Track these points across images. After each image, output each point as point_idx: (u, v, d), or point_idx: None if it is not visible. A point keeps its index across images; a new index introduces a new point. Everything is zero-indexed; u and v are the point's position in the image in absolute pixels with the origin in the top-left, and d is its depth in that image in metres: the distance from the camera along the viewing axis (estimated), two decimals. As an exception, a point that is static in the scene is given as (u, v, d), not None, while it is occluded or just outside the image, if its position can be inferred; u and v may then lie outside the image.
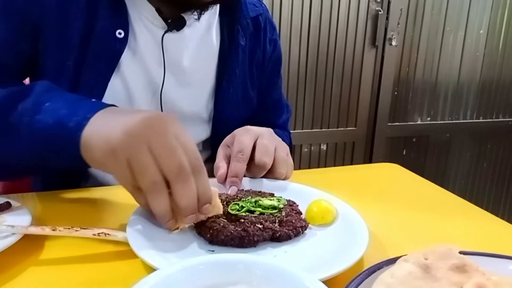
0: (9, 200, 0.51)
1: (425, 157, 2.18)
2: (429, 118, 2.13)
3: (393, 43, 1.92)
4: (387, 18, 1.89)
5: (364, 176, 0.79)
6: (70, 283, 0.41)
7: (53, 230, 0.45)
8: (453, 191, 0.69)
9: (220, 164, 0.62)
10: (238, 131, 0.64)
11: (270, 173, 0.63)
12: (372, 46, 1.92)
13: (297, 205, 0.54)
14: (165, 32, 0.69)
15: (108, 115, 0.49)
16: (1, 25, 0.64)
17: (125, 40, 0.67)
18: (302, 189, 0.60)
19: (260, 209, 0.51)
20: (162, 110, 0.72)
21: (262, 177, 0.63)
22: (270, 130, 0.67)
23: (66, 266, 0.44)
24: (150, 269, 0.39)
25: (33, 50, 0.66)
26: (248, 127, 0.65)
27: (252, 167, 0.62)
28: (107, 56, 0.67)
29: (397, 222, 0.59)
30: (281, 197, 0.56)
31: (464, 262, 0.36)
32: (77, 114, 0.49)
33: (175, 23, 0.69)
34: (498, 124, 2.24)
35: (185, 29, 0.71)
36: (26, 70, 0.69)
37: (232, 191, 0.58)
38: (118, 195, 0.61)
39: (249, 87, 0.81)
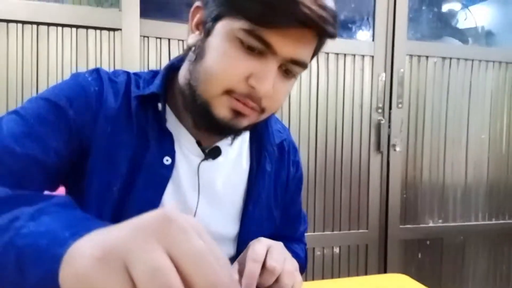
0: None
1: (441, 260, 2.14)
2: (440, 221, 2.14)
3: (397, 149, 2.01)
4: (389, 127, 2.01)
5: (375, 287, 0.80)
6: None
7: None
8: None
9: (233, 272, 0.66)
10: (251, 242, 0.70)
11: (276, 283, 0.66)
12: (377, 152, 2.02)
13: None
14: (202, 160, 0.76)
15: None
16: (52, 133, 0.66)
17: (171, 167, 0.72)
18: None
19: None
20: None
21: None
22: (281, 243, 0.73)
23: None
24: None
25: (73, 165, 0.68)
26: (261, 238, 0.71)
27: (262, 273, 0.66)
28: (155, 182, 0.71)
29: None
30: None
31: None
32: (75, 231, 0.38)
33: (211, 153, 0.76)
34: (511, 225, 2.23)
35: (219, 157, 0.77)
36: (57, 182, 0.70)
37: None
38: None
39: (273, 207, 0.86)
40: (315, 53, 0.71)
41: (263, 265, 0.66)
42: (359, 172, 2.00)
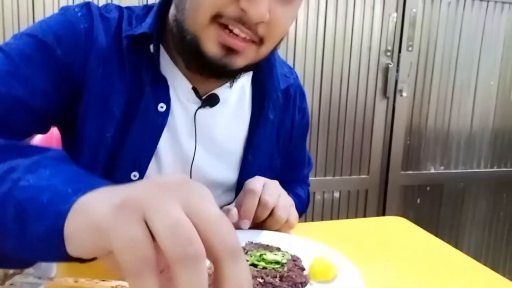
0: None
1: (440, 206, 2.17)
2: (442, 167, 2.14)
3: (404, 94, 1.97)
4: (397, 71, 1.95)
5: (372, 230, 0.80)
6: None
7: (76, 282, 0.48)
8: (469, 240, 0.71)
9: (231, 207, 0.68)
10: (247, 180, 0.71)
11: (271, 217, 0.68)
12: (383, 97, 1.97)
13: (301, 261, 0.57)
14: (199, 107, 0.73)
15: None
16: (39, 74, 0.62)
17: (166, 114, 0.70)
18: (308, 244, 0.63)
19: (263, 263, 0.54)
20: None
21: (266, 227, 0.68)
22: (276, 181, 0.74)
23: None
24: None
25: (64, 109, 0.66)
26: (257, 177, 0.73)
27: (257, 208, 0.68)
28: (150, 130, 0.69)
29: (398, 279, 0.60)
30: (286, 252, 0.58)
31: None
32: (78, 187, 0.37)
33: (208, 100, 0.73)
34: (514, 174, 2.23)
35: (218, 104, 0.74)
36: (47, 124, 0.69)
37: (245, 225, 0.65)
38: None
39: (274, 156, 0.84)
40: None
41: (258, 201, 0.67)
42: (364, 117, 1.97)
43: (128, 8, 0.75)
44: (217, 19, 0.60)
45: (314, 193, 1.96)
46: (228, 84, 0.74)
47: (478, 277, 0.62)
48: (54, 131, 0.84)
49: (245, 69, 0.68)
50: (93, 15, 0.68)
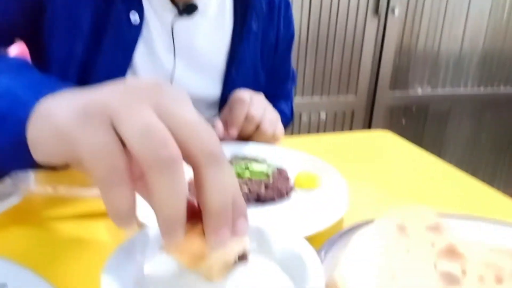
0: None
1: (424, 126, 2.19)
2: (429, 88, 2.13)
3: (396, 12, 1.89)
4: (390, -14, 1.86)
5: (358, 143, 0.80)
6: (69, 239, 0.43)
7: (54, 190, 0.47)
8: (450, 160, 0.71)
9: (216, 120, 0.66)
10: (233, 93, 0.69)
11: (257, 131, 0.67)
12: (374, 16, 1.90)
13: (286, 172, 0.56)
14: (175, 17, 0.68)
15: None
16: None
17: (140, 25, 0.65)
18: (293, 155, 0.62)
19: (249, 173, 0.53)
20: None
21: (253, 140, 0.67)
22: (262, 95, 0.72)
23: (65, 223, 0.46)
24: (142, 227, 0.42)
25: (28, 25, 0.62)
26: (243, 89, 0.70)
27: (243, 122, 0.66)
28: (123, 43, 0.65)
29: (383, 187, 0.61)
30: (272, 163, 0.58)
31: (438, 223, 0.38)
32: (38, 91, 0.34)
33: (186, 9, 0.68)
34: (499, 94, 2.24)
35: (196, 14, 0.69)
36: (9, 38, 0.64)
37: (233, 132, 0.65)
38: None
39: (259, 69, 0.81)
40: None
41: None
42: (354, 35, 1.91)
43: None
44: None
45: (300, 114, 1.95)
46: None
47: (461, 185, 0.63)
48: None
49: None
50: None
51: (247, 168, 0.55)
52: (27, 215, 0.47)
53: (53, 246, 0.42)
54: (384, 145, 0.81)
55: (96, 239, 0.44)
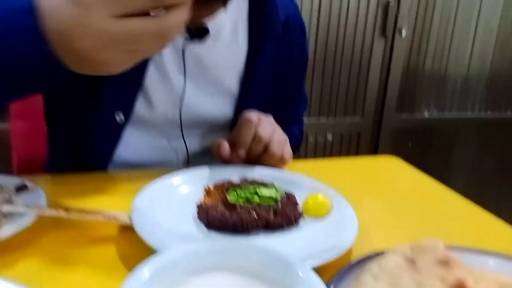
0: (26, 183, 0.54)
1: (431, 149, 2.19)
2: (436, 111, 2.13)
3: (403, 33, 1.91)
4: (397, 9, 1.87)
5: (364, 168, 0.80)
6: (79, 262, 0.44)
7: (67, 212, 0.47)
8: (457, 184, 0.71)
9: (222, 141, 0.66)
10: (242, 114, 0.69)
11: (265, 153, 0.67)
12: (381, 36, 1.91)
13: (295, 197, 0.56)
14: (186, 40, 0.68)
15: None
16: None
17: None
18: (302, 180, 0.63)
19: (257, 198, 0.53)
20: (181, 117, 0.72)
21: (260, 163, 0.67)
22: (271, 117, 0.72)
23: (77, 246, 0.46)
24: (152, 251, 0.42)
25: None
26: (252, 111, 0.70)
27: (251, 143, 0.66)
28: (133, 68, 0.66)
29: (390, 215, 0.61)
30: (280, 187, 0.58)
31: (448, 256, 0.38)
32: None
33: (197, 33, 0.68)
34: (506, 118, 2.23)
35: (209, 38, 0.69)
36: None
37: (241, 153, 0.65)
38: (123, 179, 0.64)
39: (271, 92, 0.81)
40: None
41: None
42: (361, 57, 1.92)
43: None
44: None
45: (307, 134, 1.95)
46: (219, 16, 0.70)
47: (468, 215, 0.63)
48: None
49: None
50: None
51: (255, 193, 0.55)
52: (39, 237, 0.47)
53: (64, 269, 0.42)
54: (391, 170, 0.81)
55: (108, 263, 0.44)
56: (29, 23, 0.38)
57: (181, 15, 0.37)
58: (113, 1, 0.35)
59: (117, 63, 0.39)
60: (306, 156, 1.98)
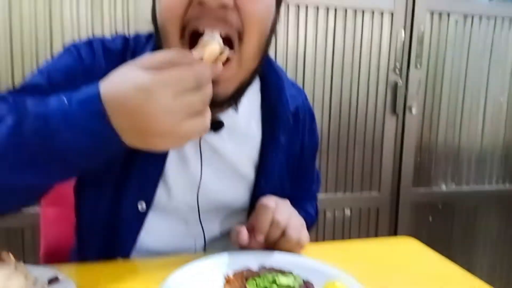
0: (58, 275, 0.57)
1: (452, 225, 2.14)
2: (453, 184, 2.12)
3: (413, 111, 1.97)
4: (406, 88, 1.95)
5: (382, 252, 0.80)
6: None
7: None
8: (482, 259, 0.70)
9: (241, 227, 0.69)
10: (260, 200, 0.72)
11: (283, 237, 0.69)
12: (392, 114, 1.98)
13: (313, 285, 0.57)
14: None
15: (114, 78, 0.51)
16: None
17: None
18: (319, 267, 0.64)
19: (276, 287, 0.55)
20: (198, 202, 0.76)
21: (277, 248, 0.69)
22: (287, 201, 0.75)
23: None
24: None
25: None
26: (269, 196, 0.74)
27: (269, 228, 0.68)
28: (155, 156, 0.70)
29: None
30: (298, 275, 0.59)
31: None
32: (84, 90, 0.51)
33: (212, 125, 0.70)
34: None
35: (224, 129, 0.73)
36: None
37: (260, 239, 0.67)
38: (146, 267, 0.66)
39: (285, 177, 0.84)
40: None
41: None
42: (373, 133, 1.97)
43: (135, 36, 0.77)
44: (185, 29, 0.61)
45: (324, 210, 1.95)
46: (233, 108, 0.75)
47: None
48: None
49: (239, 91, 0.68)
50: (95, 52, 0.71)
51: (274, 281, 0.57)
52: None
53: None
54: (409, 254, 0.81)
55: None
56: (96, 109, 0.49)
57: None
58: (170, 84, 0.48)
59: (173, 136, 0.49)
60: (324, 232, 1.96)
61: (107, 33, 1.52)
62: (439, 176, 2.10)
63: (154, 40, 0.72)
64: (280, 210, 0.70)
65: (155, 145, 0.51)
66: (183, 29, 0.61)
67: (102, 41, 0.74)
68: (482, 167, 2.14)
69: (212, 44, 0.55)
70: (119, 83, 0.50)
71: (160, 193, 0.73)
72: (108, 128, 0.49)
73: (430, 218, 2.11)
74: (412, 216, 2.08)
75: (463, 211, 2.15)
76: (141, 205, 0.72)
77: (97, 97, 0.49)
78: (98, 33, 1.55)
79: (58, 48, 1.50)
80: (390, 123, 1.99)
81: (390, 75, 1.94)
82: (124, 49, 0.73)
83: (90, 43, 0.73)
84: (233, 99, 0.70)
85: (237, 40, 0.62)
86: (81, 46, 0.72)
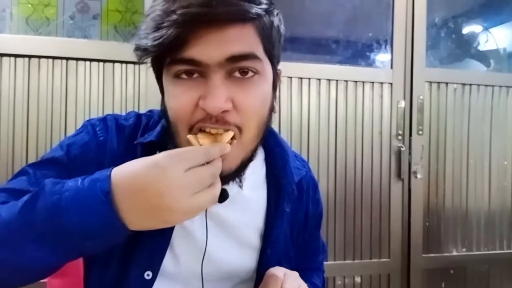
0: None
1: (466, 289, 2.08)
2: (464, 249, 2.09)
3: (418, 176, 1.99)
4: (409, 154, 1.99)
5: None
6: None
7: None
8: None
9: None
10: (269, 270, 0.74)
11: None
12: (398, 179, 2.00)
13: None
14: None
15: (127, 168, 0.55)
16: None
17: None
18: None
19: None
20: (202, 270, 0.76)
21: None
22: (296, 272, 0.76)
23: None
24: None
25: None
26: (278, 267, 0.75)
27: None
28: (161, 230, 0.72)
29: None
30: None
31: None
32: (99, 171, 0.55)
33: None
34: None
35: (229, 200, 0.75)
36: None
37: None
38: None
39: (290, 246, 0.85)
40: (265, 31, 0.65)
41: None
42: (380, 199, 1.98)
43: (149, 112, 0.82)
44: (193, 128, 0.65)
45: (334, 278, 1.91)
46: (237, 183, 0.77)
47: None
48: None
49: (242, 167, 0.71)
50: (108, 128, 0.76)
51: None
52: None
53: None
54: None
55: None
56: (102, 187, 0.52)
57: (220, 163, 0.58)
58: (182, 161, 0.52)
59: (183, 210, 0.52)
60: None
61: (117, 107, 1.62)
62: (448, 241, 2.07)
63: (162, 125, 0.76)
64: (289, 281, 0.71)
65: (166, 220, 0.53)
66: (191, 127, 0.65)
67: (116, 118, 0.79)
68: (492, 231, 2.12)
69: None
70: (131, 164, 0.54)
71: (167, 261, 0.74)
72: (112, 209, 0.51)
73: (443, 284, 2.05)
74: (424, 282, 2.03)
75: (475, 276, 2.10)
76: (148, 274, 0.73)
77: (107, 176, 0.52)
78: (108, 106, 1.64)
79: (71, 120, 1.59)
80: (396, 188, 2.00)
81: (393, 141, 1.99)
82: (136, 125, 0.78)
83: (104, 119, 0.78)
84: (237, 174, 0.72)
85: (238, 132, 0.66)
86: (96, 122, 0.78)
